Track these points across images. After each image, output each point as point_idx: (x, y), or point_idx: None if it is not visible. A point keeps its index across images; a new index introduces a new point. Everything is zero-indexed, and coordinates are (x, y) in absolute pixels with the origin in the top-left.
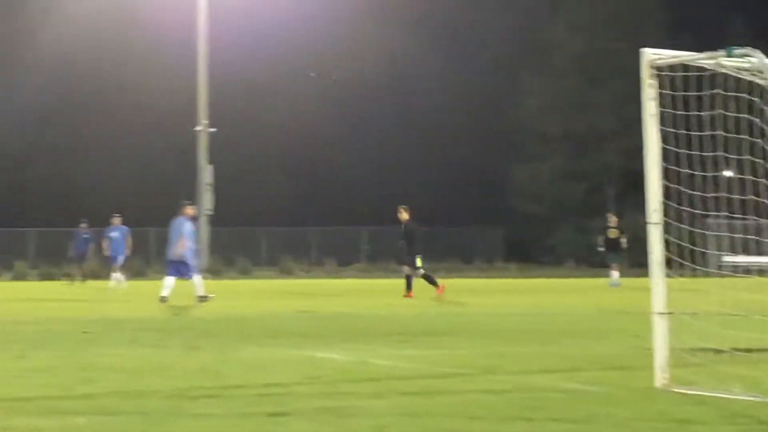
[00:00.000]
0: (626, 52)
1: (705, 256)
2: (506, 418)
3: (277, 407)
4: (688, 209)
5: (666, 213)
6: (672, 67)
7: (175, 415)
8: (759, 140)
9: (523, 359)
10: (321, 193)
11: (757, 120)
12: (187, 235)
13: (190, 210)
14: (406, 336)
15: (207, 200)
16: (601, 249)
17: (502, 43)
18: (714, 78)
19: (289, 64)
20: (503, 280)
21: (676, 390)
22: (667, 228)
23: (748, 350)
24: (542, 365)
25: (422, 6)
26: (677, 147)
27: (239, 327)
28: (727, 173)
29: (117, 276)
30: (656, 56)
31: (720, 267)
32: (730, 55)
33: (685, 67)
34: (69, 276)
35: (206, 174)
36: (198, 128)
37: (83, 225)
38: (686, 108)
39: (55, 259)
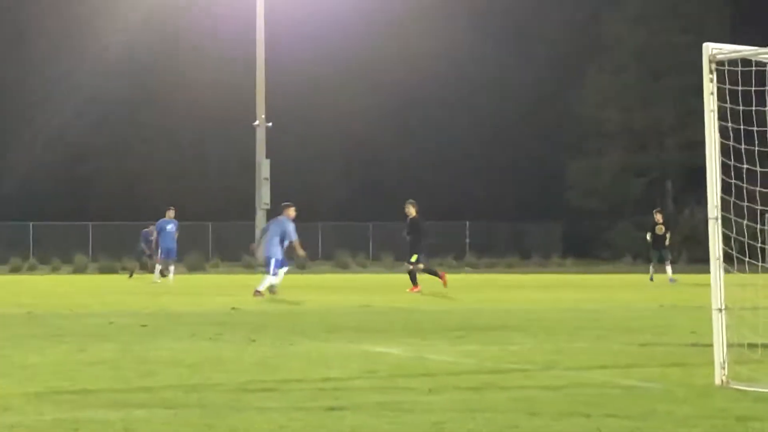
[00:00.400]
0: (687, 47)
1: (765, 252)
2: (564, 413)
3: (335, 401)
4: (748, 204)
5: (726, 208)
6: (733, 62)
7: (234, 408)
8: None
9: (581, 355)
10: (378, 188)
11: None
12: (291, 235)
13: (291, 211)
14: (464, 331)
15: (264, 194)
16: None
17: (562, 38)
18: None
19: (346, 60)
20: (560, 276)
21: (735, 387)
22: (726, 223)
23: None
24: (600, 361)
25: (482, 1)
26: (737, 142)
27: (297, 321)
28: None
29: (172, 269)
30: (717, 50)
31: None
32: None
33: (746, 62)
34: (143, 268)
35: (264, 168)
36: (256, 123)
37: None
38: (747, 103)
39: (114, 252)
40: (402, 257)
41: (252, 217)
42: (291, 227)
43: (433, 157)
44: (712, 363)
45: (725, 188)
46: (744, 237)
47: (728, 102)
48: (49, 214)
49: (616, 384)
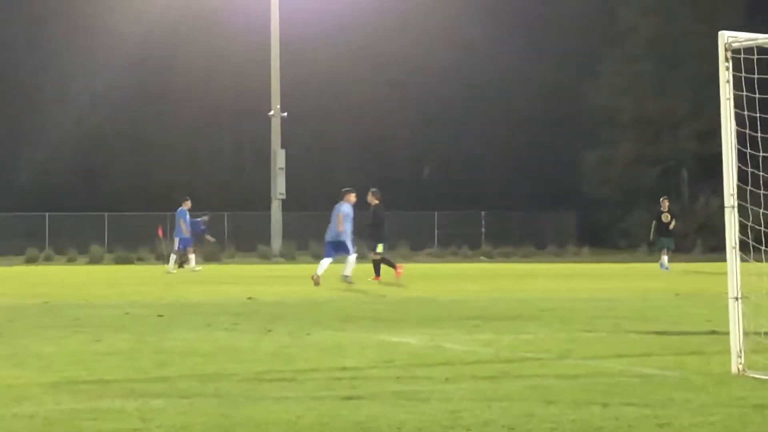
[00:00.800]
0: (701, 35)
1: None
2: (582, 402)
3: (351, 391)
4: (765, 192)
5: (742, 197)
6: (748, 50)
7: (250, 398)
8: None
9: (597, 344)
10: (393, 178)
11: None
12: (347, 218)
13: (351, 197)
14: (480, 320)
15: (279, 185)
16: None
17: (576, 28)
18: None
19: (361, 50)
20: (576, 265)
21: (751, 375)
22: (743, 212)
23: None
24: (616, 350)
25: None
26: (753, 130)
27: (313, 311)
28: None
29: (192, 257)
30: (733, 38)
31: None
32: None
33: (762, 50)
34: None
35: (279, 158)
36: (271, 113)
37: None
38: (763, 91)
39: (130, 243)
40: (417, 247)
41: (267, 207)
42: (345, 208)
43: (448, 148)
44: (728, 351)
45: (741, 176)
46: (761, 225)
47: (744, 90)
48: (65, 204)
49: (632, 373)
